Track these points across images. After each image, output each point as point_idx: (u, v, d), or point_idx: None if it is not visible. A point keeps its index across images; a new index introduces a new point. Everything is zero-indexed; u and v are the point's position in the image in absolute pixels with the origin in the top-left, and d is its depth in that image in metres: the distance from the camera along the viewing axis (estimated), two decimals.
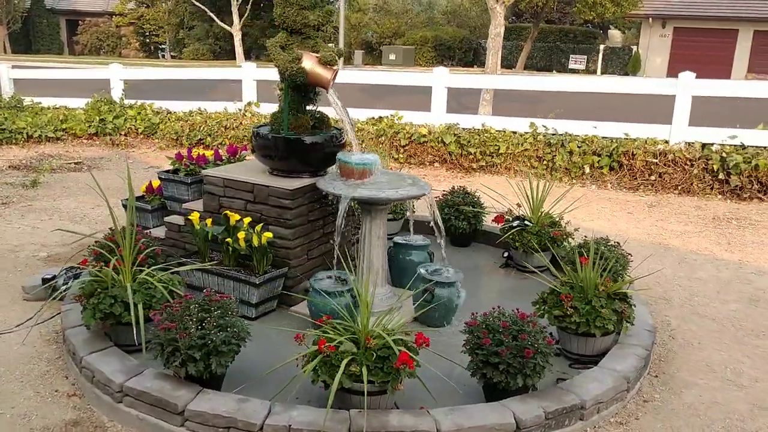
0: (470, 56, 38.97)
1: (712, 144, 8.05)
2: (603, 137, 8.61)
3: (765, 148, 7.84)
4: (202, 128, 10.51)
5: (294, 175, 4.67)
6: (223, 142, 10.38)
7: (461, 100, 14.03)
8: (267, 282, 4.39)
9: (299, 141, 4.56)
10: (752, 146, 7.89)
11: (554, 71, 35.39)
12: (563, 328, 3.91)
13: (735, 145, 7.94)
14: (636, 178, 8.13)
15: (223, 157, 5.32)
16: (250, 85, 11.13)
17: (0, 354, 4.00)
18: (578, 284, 3.98)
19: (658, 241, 6.31)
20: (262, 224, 4.49)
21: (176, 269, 4.07)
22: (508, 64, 33.05)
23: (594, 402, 3.43)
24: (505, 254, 5.61)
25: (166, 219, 5.07)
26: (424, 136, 9.22)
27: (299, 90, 4.60)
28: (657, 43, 35.80)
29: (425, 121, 9.69)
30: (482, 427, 3.14)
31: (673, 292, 5.14)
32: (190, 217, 4.62)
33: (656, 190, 8.01)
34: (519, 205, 5.59)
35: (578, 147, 8.44)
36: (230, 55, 39.28)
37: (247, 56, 36.61)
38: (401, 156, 9.39)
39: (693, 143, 8.17)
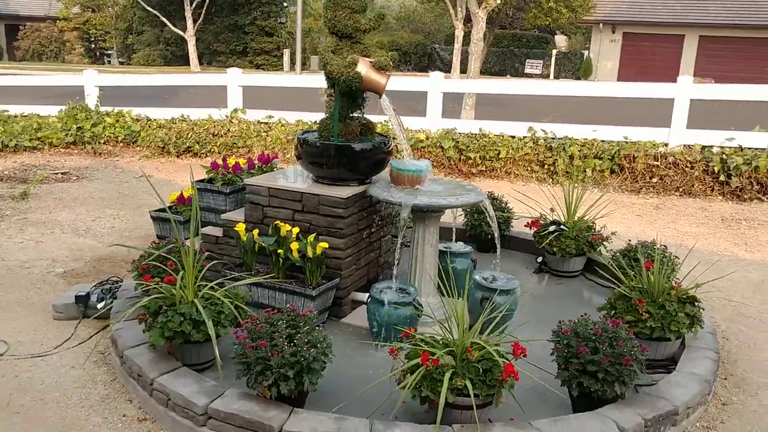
0: (425, 61, 39.21)
1: (711, 146, 8.23)
2: (602, 141, 8.71)
3: (763, 149, 8.05)
4: (189, 136, 10.22)
5: (341, 183, 4.55)
6: (212, 150, 10.13)
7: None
8: (322, 294, 4.26)
9: (349, 148, 4.44)
10: (749, 148, 8.10)
11: (508, 75, 35.90)
12: (636, 334, 3.87)
13: (734, 147, 8.13)
14: (638, 181, 8.25)
15: (256, 166, 5.15)
16: (236, 91, 10.89)
17: (51, 378, 3.77)
18: (646, 289, 3.97)
19: (676, 242, 6.38)
20: (315, 234, 4.35)
21: (237, 284, 3.90)
22: (464, 68, 33.26)
23: (684, 407, 3.41)
24: (539, 259, 5.59)
25: (203, 230, 4.88)
26: (422, 141, 9.17)
27: (348, 96, 4.48)
28: (607, 47, 36.61)
29: (420, 127, 9.65)
30: None
31: (711, 293, 5.18)
32: (236, 229, 4.45)
33: (658, 192, 8.14)
34: (552, 210, 5.58)
35: (579, 151, 8.51)
36: (182, 61, 38.58)
37: (200, 62, 36.03)
38: None
39: (692, 146, 8.34)
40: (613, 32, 36.27)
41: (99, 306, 4.46)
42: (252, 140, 10.03)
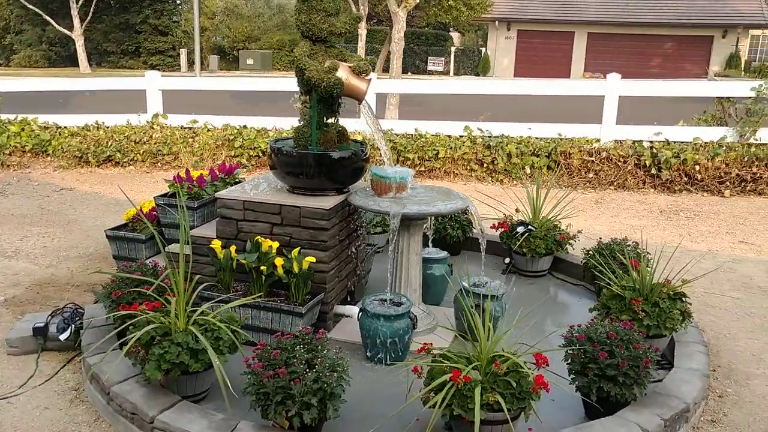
0: None
1: (641, 141, 8.56)
2: (537, 138, 8.88)
3: (688, 143, 8.44)
4: (108, 144, 9.62)
5: (318, 193, 4.36)
6: (136, 159, 9.59)
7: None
8: (310, 310, 4.07)
9: (328, 157, 4.26)
10: (675, 142, 8.48)
11: (409, 73, 36.29)
12: None
13: (661, 141, 8.48)
14: (574, 177, 8.46)
15: (219, 177, 4.87)
16: (156, 95, 10.36)
17: (24, 423, 3.40)
18: (638, 288, 4.02)
19: (625, 236, 6.55)
20: (299, 248, 4.15)
21: (227, 306, 3.65)
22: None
23: (693, 403, 3.47)
24: (507, 260, 5.60)
25: (168, 248, 4.56)
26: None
27: (324, 102, 4.30)
28: (503, 44, 37.71)
29: (356, 129, 9.51)
30: None
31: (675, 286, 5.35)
32: (211, 246, 4.18)
33: (594, 187, 8.38)
34: (518, 210, 5.60)
35: (516, 148, 8.64)
36: (68, 62, 36.65)
37: (89, 62, 34.37)
38: None
39: (623, 141, 8.64)
40: (509, 29, 37.40)
41: (62, 337, 4.08)
42: (178, 147, 9.57)
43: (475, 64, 37.98)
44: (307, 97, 4.32)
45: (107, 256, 5.92)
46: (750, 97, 8.37)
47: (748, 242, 6.44)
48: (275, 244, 4.16)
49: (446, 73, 37.68)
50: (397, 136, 9.19)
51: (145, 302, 3.52)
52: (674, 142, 8.45)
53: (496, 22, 36.73)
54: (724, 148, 8.19)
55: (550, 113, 8.92)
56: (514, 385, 2.99)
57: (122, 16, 37.64)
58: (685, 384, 3.57)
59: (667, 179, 8.22)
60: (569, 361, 3.40)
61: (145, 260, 4.70)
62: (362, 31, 31.40)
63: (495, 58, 37.37)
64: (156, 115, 10.30)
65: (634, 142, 8.60)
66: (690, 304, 4.06)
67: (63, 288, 5.21)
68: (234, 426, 3.06)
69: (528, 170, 8.59)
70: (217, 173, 4.88)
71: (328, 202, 4.25)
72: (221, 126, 10.04)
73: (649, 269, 4.07)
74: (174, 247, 4.55)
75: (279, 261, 4.04)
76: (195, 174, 4.72)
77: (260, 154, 9.43)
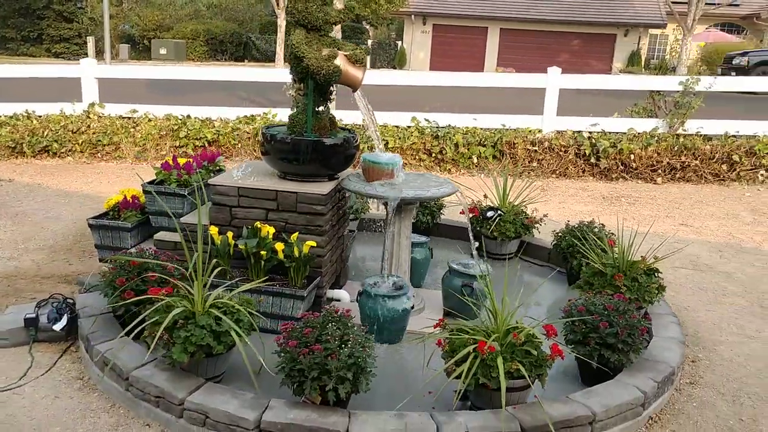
0: (241, 50, 38.48)
1: (580, 131, 9.02)
2: (483, 129, 9.19)
3: (623, 134, 8.97)
4: (45, 134, 9.24)
5: (310, 179, 4.45)
6: (74, 149, 9.27)
7: (270, 97, 13.93)
8: (309, 293, 4.16)
9: (322, 144, 4.35)
10: (612, 132, 8.99)
11: None
12: None
13: (599, 132, 8.97)
14: (518, 166, 8.82)
15: (203, 165, 4.86)
16: (92, 83, 10.02)
17: (38, 412, 3.35)
18: (617, 265, 4.34)
19: (577, 220, 6.93)
20: (297, 233, 4.23)
21: (238, 290, 3.70)
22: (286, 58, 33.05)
23: (677, 367, 3.81)
24: (476, 244, 5.83)
25: (157, 236, 4.53)
26: None
27: (319, 90, 4.38)
28: (419, 38, 38.22)
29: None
30: (622, 404, 3.34)
31: None
32: (209, 232, 4.20)
33: (537, 175, 8.77)
34: (485, 196, 5.85)
35: (463, 138, 8.92)
36: None
37: None
38: None
39: (563, 131, 9.08)
40: (424, 24, 37.94)
41: (56, 327, 4.00)
42: (119, 137, 9.31)
43: (391, 57, 38.32)
44: (301, 84, 4.38)
45: (71, 248, 5.78)
46: (678, 91, 8.98)
47: (687, 224, 6.95)
48: (271, 230, 4.22)
49: None
50: (347, 126, 9.28)
51: (158, 289, 3.51)
52: (610, 133, 8.96)
53: (413, 16, 37.18)
54: (656, 138, 8.76)
55: (477, 107, 9.27)
56: (535, 353, 3.21)
57: (23, 1, 35.75)
58: (667, 351, 3.89)
59: (605, 167, 8.72)
60: (570, 332, 3.65)
61: (130, 248, 4.66)
62: (281, 22, 31.14)
63: (411, 52, 37.83)
64: (92, 105, 9.97)
65: (574, 132, 9.05)
66: (662, 278, 4.41)
67: (33, 280, 5.07)
68: (266, 404, 3.13)
69: (475, 160, 8.89)
70: (200, 161, 4.86)
71: (324, 187, 4.34)
72: (163, 116, 9.83)
73: (628, 248, 4.40)
74: (162, 235, 4.52)
75: (279, 246, 4.11)
76: (181, 161, 4.70)
77: (206, 144, 9.31)
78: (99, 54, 32.85)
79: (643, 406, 3.44)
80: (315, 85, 4.30)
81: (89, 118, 9.68)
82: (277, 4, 31.44)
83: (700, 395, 3.76)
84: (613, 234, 5.15)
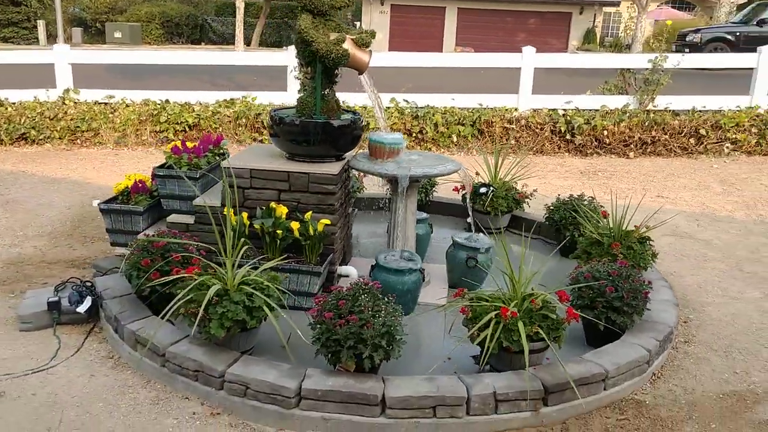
0: (198, 33, 37.93)
1: (555, 109, 9.30)
2: (461, 108, 9.40)
3: (596, 111, 9.28)
4: (22, 121, 9.13)
5: (318, 160, 4.59)
6: (53, 136, 9.19)
7: (235, 80, 13.95)
8: (324, 269, 4.33)
9: (331, 125, 4.50)
10: (585, 110, 9.30)
11: (284, 47, 35.94)
12: None
13: (573, 109, 9.27)
14: (496, 144, 9.07)
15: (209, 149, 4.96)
16: (66, 69, 9.91)
17: (77, 390, 3.47)
18: (613, 234, 4.60)
19: (556, 195, 7.22)
20: (311, 212, 4.39)
21: (264, 266, 3.85)
22: (246, 41, 32.69)
23: (675, 326, 4.10)
24: (469, 219, 6.06)
25: (169, 219, 4.64)
26: None
27: (326, 73, 4.52)
28: (378, 19, 38.15)
29: (282, 101, 9.63)
30: (631, 362, 3.60)
31: None
32: (224, 213, 4.33)
33: (515, 152, 9.04)
34: (477, 174, 6.06)
35: (442, 118, 9.12)
36: None
37: None
38: (266, 138, 9.24)
39: (539, 110, 9.35)
40: (382, 4, 37.88)
41: (80, 309, 4.10)
42: (98, 122, 9.26)
43: None
44: (308, 68, 4.51)
45: (72, 233, 5.83)
46: (647, 69, 9.32)
47: (662, 196, 7.29)
48: (285, 210, 4.37)
49: None
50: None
51: (191, 268, 3.64)
52: (584, 110, 9.27)
53: None
54: (627, 114, 9.10)
55: (450, 88, 9.52)
56: (553, 317, 3.45)
57: None
58: (664, 312, 4.18)
59: (580, 143, 9.03)
60: (578, 297, 3.90)
61: (142, 231, 4.76)
62: (240, 4, 30.86)
63: None
64: (67, 91, 9.87)
65: (549, 110, 9.33)
66: (654, 246, 4.70)
67: (40, 266, 5.12)
68: (304, 373, 3.31)
69: (455, 138, 9.11)
70: (206, 145, 4.96)
71: (334, 167, 4.50)
72: (140, 101, 9.79)
73: (621, 219, 4.67)
74: (175, 218, 4.63)
75: (295, 225, 4.27)
76: (189, 145, 4.79)
77: (186, 129, 9.32)
78: (51, 38, 32.05)
79: (648, 363, 3.72)
80: (323, 68, 4.43)
81: (65, 104, 9.59)
82: None
83: (695, 352, 4.06)
84: (602, 206, 5.42)
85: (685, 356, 4.02)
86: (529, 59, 9.37)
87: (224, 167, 4.50)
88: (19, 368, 3.66)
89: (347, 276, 4.87)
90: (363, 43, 4.43)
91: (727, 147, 9.00)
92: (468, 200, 5.07)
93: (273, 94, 9.91)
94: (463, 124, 9.14)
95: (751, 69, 9.35)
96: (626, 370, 3.58)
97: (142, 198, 4.71)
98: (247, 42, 31.39)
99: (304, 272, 4.24)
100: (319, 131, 4.46)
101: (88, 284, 4.33)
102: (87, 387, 3.51)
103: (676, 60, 9.18)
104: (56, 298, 4.13)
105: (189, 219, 4.63)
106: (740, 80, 9.98)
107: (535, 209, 6.23)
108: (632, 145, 9.00)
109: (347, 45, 4.35)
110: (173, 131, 9.30)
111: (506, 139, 9.09)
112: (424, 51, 34.80)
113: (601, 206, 5.40)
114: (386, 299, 3.45)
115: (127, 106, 9.65)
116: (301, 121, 4.48)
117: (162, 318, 3.66)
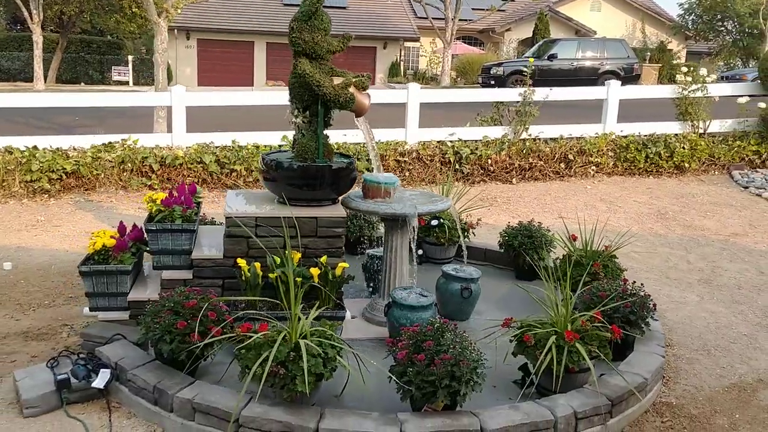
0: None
1: (443, 140, 9.80)
2: (354, 144, 9.56)
3: (479, 141, 9.92)
4: None
5: (314, 203, 4.57)
6: None
7: (112, 121, 13.14)
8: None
9: (331, 168, 4.51)
10: (469, 140, 9.90)
11: (82, 83, 33.72)
12: None
13: (458, 140, 9.82)
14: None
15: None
16: None
17: None
18: (588, 255, 5.06)
19: (470, 220, 7.64)
20: (325, 257, 4.34)
21: (310, 317, 3.76)
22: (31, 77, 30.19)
23: (664, 333, 4.60)
24: (419, 251, 6.25)
25: (164, 276, 4.33)
26: (179, 158, 8.75)
27: (324, 117, 4.52)
28: (184, 54, 37.31)
29: (167, 143, 9.17)
30: (657, 369, 4.02)
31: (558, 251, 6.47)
32: (238, 264, 4.16)
33: (409, 183, 9.38)
34: None
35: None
36: None
37: None
38: (155, 182, 8.72)
39: (428, 142, 9.79)
40: (188, 38, 37.09)
41: (96, 385, 3.71)
42: None
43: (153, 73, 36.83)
44: (307, 112, 4.48)
45: (2, 302, 5.16)
46: (518, 101, 10.15)
47: (564, 216, 7.99)
48: (298, 255, 4.29)
49: (125, 83, 35.75)
50: (218, 148, 9.12)
51: (248, 325, 3.48)
52: (469, 141, 9.87)
53: (176, 30, 36.08)
54: (506, 143, 9.83)
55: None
56: (607, 335, 3.75)
57: None
58: (652, 321, 4.66)
59: (468, 173, 9.59)
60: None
61: (128, 291, 4.39)
62: (38, 38, 28.64)
63: (177, 67, 36.72)
64: None
65: (437, 142, 9.81)
66: (619, 262, 5.21)
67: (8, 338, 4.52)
68: (396, 418, 3.30)
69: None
70: (187, 194, 4.69)
71: (339, 210, 4.51)
72: (2, 148, 8.77)
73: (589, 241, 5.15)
74: (170, 274, 4.32)
75: (315, 271, 4.21)
76: (161, 196, 4.52)
77: (63, 176, 8.52)
78: None
79: (663, 368, 4.16)
80: (324, 111, 4.44)
81: None
82: (31, 19, 28.82)
83: (682, 354, 4.59)
84: (549, 230, 5.89)
85: (675, 359, 4.52)
86: (414, 95, 9.81)
87: (227, 216, 4.31)
88: None
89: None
90: (362, 87, 4.50)
91: (592, 169, 10.05)
92: (461, 238, 5.33)
93: (154, 136, 9.43)
94: (359, 159, 9.31)
95: (602, 100, 10.55)
96: (656, 375, 3.99)
97: (128, 256, 4.34)
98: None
99: (328, 317, 4.18)
100: (324, 174, 4.45)
101: (89, 356, 3.92)
102: None
103: (545, 93, 10.11)
104: (65, 376, 3.70)
105: (186, 274, 4.36)
106: (592, 111, 11.18)
107: (475, 237, 6.55)
108: (513, 172, 9.74)
109: (351, 89, 4.40)
110: (47, 179, 8.46)
111: (400, 171, 9.41)
112: (234, 86, 34.52)
113: (548, 230, 5.87)
114: (463, 333, 3.55)
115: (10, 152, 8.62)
116: (305, 166, 4.44)
117: (241, 381, 3.41)
